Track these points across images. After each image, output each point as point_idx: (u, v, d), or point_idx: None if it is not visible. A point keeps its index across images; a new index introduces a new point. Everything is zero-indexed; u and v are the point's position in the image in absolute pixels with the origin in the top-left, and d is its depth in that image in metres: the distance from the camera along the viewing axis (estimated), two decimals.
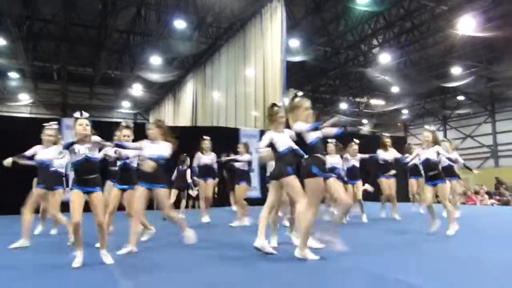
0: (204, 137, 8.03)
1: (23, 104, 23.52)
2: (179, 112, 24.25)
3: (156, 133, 4.64)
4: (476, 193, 15.25)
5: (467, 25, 13.96)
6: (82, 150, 4.03)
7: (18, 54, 17.26)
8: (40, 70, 20.15)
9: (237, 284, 3.23)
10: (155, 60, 18.50)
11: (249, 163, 7.82)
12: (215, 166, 8.29)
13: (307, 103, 4.28)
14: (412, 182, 9.23)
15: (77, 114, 4.22)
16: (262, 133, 13.98)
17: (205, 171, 7.90)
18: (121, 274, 3.57)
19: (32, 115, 22.51)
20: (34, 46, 17.84)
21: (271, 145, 4.37)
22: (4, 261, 4.27)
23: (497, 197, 15.49)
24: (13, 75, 20.27)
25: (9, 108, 22.49)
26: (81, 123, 4.13)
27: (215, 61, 19.56)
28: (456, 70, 18.62)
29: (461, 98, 23.43)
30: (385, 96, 24.12)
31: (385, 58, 17.63)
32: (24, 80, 20.98)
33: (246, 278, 3.42)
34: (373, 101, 25.57)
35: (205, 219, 7.55)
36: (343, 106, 25.42)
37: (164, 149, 4.55)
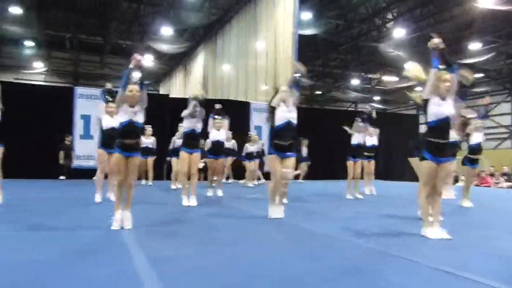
0: (216, 116, 7.72)
1: (37, 72, 23.77)
2: (189, 84, 24.30)
3: None
4: (491, 175, 15.04)
5: None
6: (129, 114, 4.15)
7: (32, 23, 17.35)
8: (53, 39, 20.24)
9: None
10: (166, 30, 18.43)
11: None
12: (229, 145, 8.30)
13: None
14: None
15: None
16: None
17: (217, 149, 7.76)
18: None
19: (47, 83, 22.77)
20: (47, 14, 17.86)
21: None
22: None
23: None
24: (28, 43, 20.42)
25: (24, 75, 22.75)
26: (131, 88, 4.22)
27: (226, 33, 19.43)
28: (473, 46, 18.11)
29: (478, 75, 22.92)
30: (398, 72, 23.78)
31: (399, 32, 17.31)
32: (38, 48, 21.13)
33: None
34: (386, 77, 25.26)
35: (209, 193, 7.77)
36: (355, 81, 25.16)
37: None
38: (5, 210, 5.30)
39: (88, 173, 11.79)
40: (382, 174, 15.71)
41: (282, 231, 4.28)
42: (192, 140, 6.17)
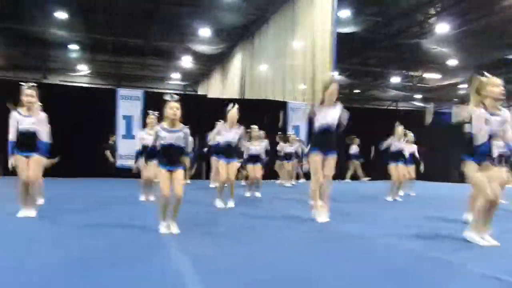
0: (252, 126, 7.92)
1: (81, 75, 24.79)
2: (227, 84, 24.51)
3: None
4: None
5: None
6: (168, 137, 4.00)
7: (77, 27, 18.12)
8: (96, 42, 21.03)
9: None
10: (204, 31, 18.68)
11: None
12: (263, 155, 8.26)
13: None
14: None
15: (167, 97, 4.08)
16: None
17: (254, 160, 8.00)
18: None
19: (90, 85, 23.70)
20: (91, 19, 18.56)
21: None
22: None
23: None
24: (73, 47, 21.32)
25: (69, 78, 23.78)
26: (172, 106, 4.03)
27: (263, 32, 19.43)
28: None
29: None
30: (441, 69, 22.94)
31: (442, 28, 16.68)
32: (82, 51, 22.03)
33: None
34: (428, 75, 24.42)
35: (247, 193, 7.83)
36: (395, 80, 24.50)
37: None
38: (50, 207, 5.53)
39: (130, 172, 12.15)
40: (423, 175, 15.21)
41: (320, 233, 4.22)
42: (229, 151, 6.15)
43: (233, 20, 18.05)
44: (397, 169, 7.63)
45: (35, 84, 4.87)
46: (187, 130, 4.09)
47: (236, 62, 23.03)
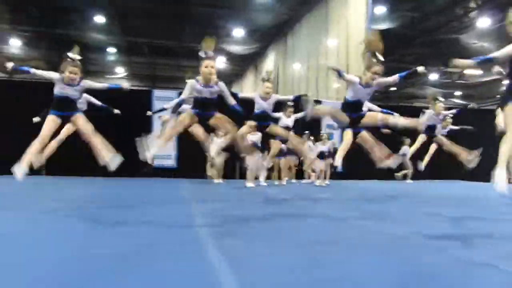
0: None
1: (119, 77, 25.58)
2: (260, 84, 24.55)
3: None
4: None
5: None
6: (204, 92, 4.41)
7: (114, 31, 18.73)
8: (132, 45, 21.65)
9: None
10: (237, 32, 18.82)
11: None
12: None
13: None
14: None
15: (201, 54, 4.62)
16: (343, 105, 13.86)
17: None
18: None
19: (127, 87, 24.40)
20: (127, 22, 19.12)
21: None
22: None
23: None
24: (111, 50, 22.04)
25: (107, 80, 24.58)
26: (207, 64, 4.56)
27: (296, 32, 19.36)
28: None
29: None
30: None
31: (484, 22, 16.05)
32: (119, 54, 22.74)
33: None
34: (468, 71, 23.55)
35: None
36: (432, 77, 23.79)
37: None
38: (84, 205, 5.71)
39: (165, 172, 12.41)
40: (465, 174, 14.66)
41: (357, 233, 4.13)
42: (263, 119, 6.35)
43: (266, 20, 18.11)
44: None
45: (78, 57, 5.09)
46: (222, 84, 4.24)
47: (269, 62, 23.06)
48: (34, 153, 4.95)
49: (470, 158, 5.73)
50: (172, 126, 5.52)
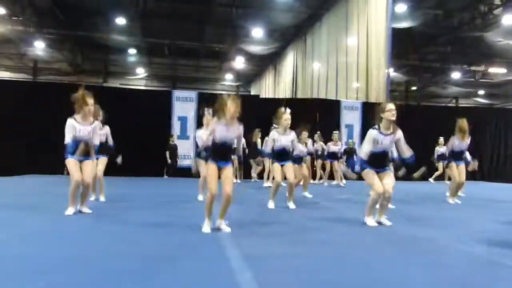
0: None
1: (139, 78, 25.90)
2: (279, 84, 24.51)
3: None
4: None
5: None
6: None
7: (135, 32, 18.99)
8: (153, 46, 21.89)
9: None
10: (257, 32, 18.80)
11: None
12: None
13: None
14: None
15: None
16: (364, 105, 13.72)
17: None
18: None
19: (147, 87, 24.68)
20: (148, 24, 19.35)
21: None
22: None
23: None
24: (131, 51, 22.34)
25: (127, 81, 24.92)
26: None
27: (315, 31, 19.23)
28: None
29: None
30: (507, 63, 21.48)
31: (509, 19, 15.59)
32: (140, 55, 23.03)
33: None
34: (492, 69, 22.94)
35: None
36: (455, 75, 23.26)
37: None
38: (108, 206, 5.80)
39: (185, 172, 12.47)
40: (487, 175, 14.31)
41: (375, 234, 4.08)
42: (282, 155, 6.01)
43: (286, 20, 18.04)
44: (459, 170, 7.18)
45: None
46: (241, 128, 4.08)
47: (289, 62, 22.99)
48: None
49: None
50: None
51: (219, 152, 4.02)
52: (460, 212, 6.03)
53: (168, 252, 3.12)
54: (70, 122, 4.79)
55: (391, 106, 4.43)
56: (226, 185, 3.98)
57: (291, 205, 5.94)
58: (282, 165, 5.98)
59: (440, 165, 12.02)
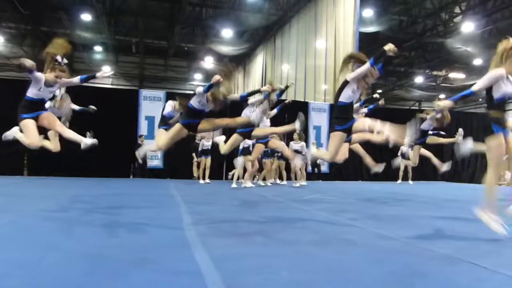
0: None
1: (105, 76, 25.26)
2: (248, 84, 24.57)
3: None
4: None
5: None
6: None
7: (101, 29, 18.52)
8: (120, 44, 21.43)
9: None
10: (226, 32, 18.79)
11: None
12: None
13: None
14: None
15: None
16: (331, 107, 13.95)
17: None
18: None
19: (114, 86, 24.12)
20: (115, 21, 18.94)
21: None
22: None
23: None
24: (97, 48, 21.78)
25: (93, 79, 24.23)
26: None
27: (285, 33, 19.41)
28: None
29: None
30: (466, 69, 22.44)
31: (468, 27, 16.30)
32: (106, 53, 22.48)
33: None
34: (452, 75, 23.91)
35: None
36: (419, 79, 24.08)
37: None
38: (72, 207, 5.64)
39: (154, 173, 12.29)
40: (448, 175, 14.87)
41: (342, 233, 4.16)
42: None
43: (255, 21, 18.10)
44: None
45: None
46: None
47: (258, 63, 23.08)
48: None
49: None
50: None
51: None
52: (412, 209, 6.23)
53: (134, 254, 3.06)
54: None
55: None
56: None
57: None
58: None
59: (402, 163, 12.64)
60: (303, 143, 11.34)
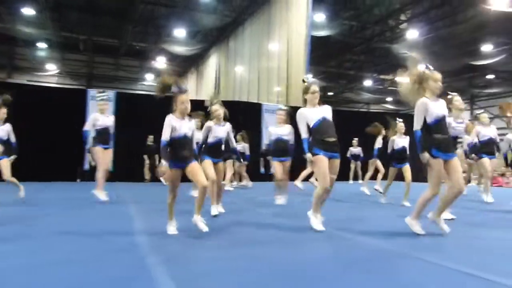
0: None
1: (50, 74, 24.04)
2: (202, 85, 24.35)
3: None
4: (502, 174, 15.16)
5: (500, 0, 13.43)
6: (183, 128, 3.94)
7: (45, 24, 17.54)
8: (66, 41, 20.43)
9: None
10: (179, 32, 18.50)
11: None
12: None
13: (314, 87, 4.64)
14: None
15: (174, 89, 3.92)
16: None
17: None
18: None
19: (59, 85, 23.00)
20: (60, 16, 18.04)
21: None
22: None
23: None
24: (41, 45, 20.61)
25: (37, 77, 23.02)
26: (183, 100, 3.94)
27: (239, 35, 19.42)
28: (486, 47, 17.92)
29: (490, 76, 22.66)
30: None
31: (412, 34, 17.12)
32: (51, 50, 21.34)
33: None
34: (399, 78, 25.00)
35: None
36: (367, 83, 24.98)
37: None
38: (17, 211, 5.32)
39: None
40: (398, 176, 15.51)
41: (293, 232, 4.19)
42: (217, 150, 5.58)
43: (209, 22, 17.97)
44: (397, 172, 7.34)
45: None
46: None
47: (211, 64, 22.93)
48: None
49: None
50: None
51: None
52: (369, 209, 6.43)
53: (85, 259, 2.92)
54: None
55: (315, 88, 4.79)
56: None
57: (216, 209, 5.34)
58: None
59: (353, 165, 13.47)
60: (246, 145, 10.89)
